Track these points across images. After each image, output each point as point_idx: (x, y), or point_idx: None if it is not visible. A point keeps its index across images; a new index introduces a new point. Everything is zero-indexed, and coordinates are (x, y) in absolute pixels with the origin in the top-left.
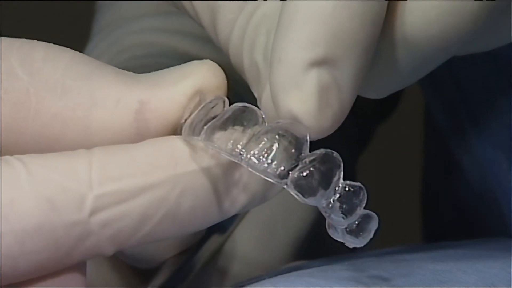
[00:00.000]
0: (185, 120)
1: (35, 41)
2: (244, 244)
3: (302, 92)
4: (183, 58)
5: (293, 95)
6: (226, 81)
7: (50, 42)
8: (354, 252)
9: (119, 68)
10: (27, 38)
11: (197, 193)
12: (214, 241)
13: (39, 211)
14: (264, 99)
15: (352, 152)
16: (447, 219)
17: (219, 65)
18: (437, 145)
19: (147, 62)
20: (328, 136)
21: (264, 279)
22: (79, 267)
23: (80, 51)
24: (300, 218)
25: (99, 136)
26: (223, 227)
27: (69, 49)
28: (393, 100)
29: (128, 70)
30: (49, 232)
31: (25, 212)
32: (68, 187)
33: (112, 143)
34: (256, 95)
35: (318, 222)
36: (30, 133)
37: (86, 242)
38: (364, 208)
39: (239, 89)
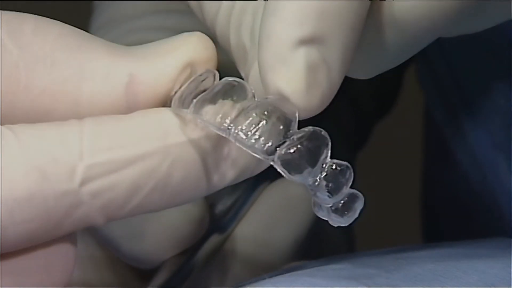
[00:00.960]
0: (175, 92)
1: (25, 14)
2: (244, 244)
3: (291, 70)
4: None
5: (282, 73)
6: (216, 53)
7: None
8: (354, 252)
9: None
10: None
11: (187, 164)
12: (213, 240)
13: (30, 181)
14: (252, 77)
15: (350, 148)
16: (446, 219)
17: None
18: (437, 145)
19: None
20: (327, 131)
21: (265, 279)
22: (69, 238)
23: None
24: (300, 218)
25: (89, 109)
26: (223, 226)
27: (58, 21)
28: (392, 96)
29: None
30: (39, 201)
31: (15, 181)
32: (59, 157)
33: (102, 114)
34: (243, 74)
35: (318, 222)
36: (20, 107)
37: (77, 212)
38: (362, 209)
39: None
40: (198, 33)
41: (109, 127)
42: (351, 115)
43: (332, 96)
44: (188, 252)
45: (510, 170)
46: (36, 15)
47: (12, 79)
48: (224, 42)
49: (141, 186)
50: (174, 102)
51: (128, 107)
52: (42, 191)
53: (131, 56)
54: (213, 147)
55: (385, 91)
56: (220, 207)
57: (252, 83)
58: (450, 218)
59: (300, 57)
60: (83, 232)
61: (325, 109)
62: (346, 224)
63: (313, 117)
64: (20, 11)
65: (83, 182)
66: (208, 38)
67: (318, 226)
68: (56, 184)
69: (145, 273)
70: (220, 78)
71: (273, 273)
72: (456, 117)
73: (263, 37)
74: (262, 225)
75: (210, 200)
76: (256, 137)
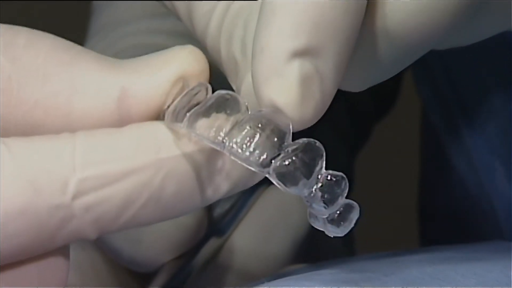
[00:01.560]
0: (168, 106)
1: (17, 27)
2: (242, 247)
3: (284, 82)
4: None
5: (275, 85)
6: (208, 66)
7: None
8: (352, 256)
9: None
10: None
11: (181, 178)
12: (212, 244)
13: (22, 194)
14: (244, 90)
15: (349, 151)
16: (443, 223)
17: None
18: (434, 149)
19: None
20: (325, 134)
21: (263, 283)
22: (62, 250)
23: None
24: (297, 222)
25: (81, 123)
26: (221, 230)
27: (51, 34)
28: (390, 97)
29: None
30: (32, 215)
31: (8, 195)
32: (52, 170)
33: (94, 128)
34: (234, 87)
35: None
36: (12, 120)
37: (69, 225)
38: (358, 217)
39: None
40: (190, 46)
41: (101, 141)
42: (349, 117)
43: (326, 108)
44: (186, 255)
45: (506, 175)
46: (28, 28)
47: (5, 92)
48: (215, 54)
49: (133, 200)
50: (167, 116)
51: (120, 121)
52: (34, 205)
53: (123, 70)
54: (207, 161)
55: (384, 93)
56: (219, 210)
57: (244, 95)
58: (447, 223)
59: (294, 69)
60: None
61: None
62: (342, 234)
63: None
64: (15, 12)
65: (75, 196)
66: (200, 51)
67: (315, 230)
68: (49, 198)
69: (144, 277)
70: (213, 91)
71: (271, 277)
72: (453, 121)
73: (257, 50)
74: (260, 228)
75: (208, 204)
76: (251, 150)
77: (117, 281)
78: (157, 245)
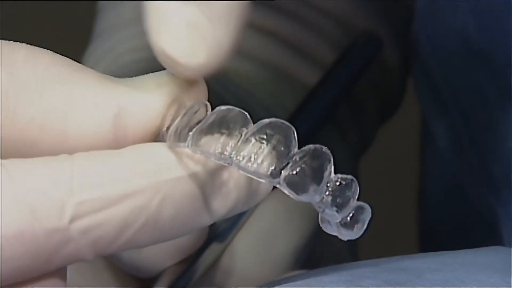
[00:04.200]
0: (167, 127)
1: (15, 43)
2: (244, 253)
3: (173, 29)
4: None
5: (164, 34)
6: (205, 86)
7: (52, 45)
8: (351, 262)
9: (120, 71)
10: (28, 40)
11: (180, 200)
12: (213, 250)
13: (19, 218)
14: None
15: (353, 154)
16: (443, 230)
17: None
18: (433, 155)
19: (147, 66)
20: (328, 138)
21: None
22: (58, 272)
23: (81, 54)
24: (298, 228)
25: (76, 140)
26: (222, 236)
27: (49, 51)
28: (395, 101)
29: (129, 74)
30: (29, 238)
31: (6, 219)
32: (49, 193)
33: (90, 148)
34: None
35: (316, 232)
36: (8, 137)
37: (66, 248)
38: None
39: (219, 89)
40: None
41: (99, 163)
42: (353, 120)
43: (223, 54)
44: (188, 260)
45: (507, 182)
46: (27, 44)
47: (2, 107)
48: None
49: (131, 223)
50: (170, 137)
51: (117, 140)
52: (31, 228)
53: (121, 88)
54: (210, 179)
55: (389, 96)
56: None
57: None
58: (447, 229)
59: (182, 15)
60: None
61: (328, 115)
62: (356, 237)
63: (315, 124)
64: (20, 13)
65: (73, 219)
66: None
67: (316, 236)
68: (46, 222)
69: (145, 282)
70: (213, 104)
71: (271, 283)
72: (453, 129)
73: (146, 2)
74: (262, 234)
75: None
76: (259, 162)
77: (119, 285)
78: (158, 250)
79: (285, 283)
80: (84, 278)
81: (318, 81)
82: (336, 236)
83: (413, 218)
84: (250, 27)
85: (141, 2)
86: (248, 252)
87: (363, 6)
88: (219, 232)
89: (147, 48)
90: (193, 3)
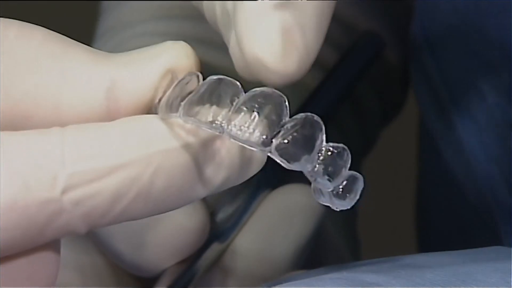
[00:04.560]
0: (160, 99)
1: (9, 19)
2: (245, 252)
3: (265, 34)
4: None
5: (257, 38)
6: (198, 62)
7: None
8: (352, 262)
9: None
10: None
11: (172, 171)
12: (214, 250)
13: (12, 188)
14: (231, 45)
15: (355, 157)
16: (442, 231)
17: (222, 69)
18: (432, 156)
19: None
20: (331, 138)
21: None
22: (52, 245)
23: None
24: (301, 226)
25: (70, 114)
26: (223, 235)
27: (42, 27)
28: (397, 102)
29: None
30: (22, 209)
31: None
32: (41, 165)
33: (83, 121)
34: (227, 43)
35: (317, 232)
36: (2, 111)
37: (59, 220)
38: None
39: None
40: (181, 42)
41: (91, 135)
42: (355, 122)
43: (310, 62)
44: (188, 260)
45: (505, 183)
46: (20, 21)
47: None
48: (211, 15)
49: (123, 194)
50: (161, 108)
51: (109, 113)
52: (24, 199)
53: (114, 62)
54: (199, 152)
55: (391, 97)
56: (221, 215)
57: (232, 49)
58: (445, 231)
59: (275, 21)
60: (85, 239)
61: (329, 116)
62: (349, 207)
63: None
64: (22, 12)
65: (65, 190)
66: (190, 47)
67: (321, 234)
68: (38, 192)
69: (146, 282)
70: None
71: (271, 283)
72: (452, 129)
73: (238, 3)
74: (263, 233)
75: (211, 209)
76: (251, 131)
77: (119, 285)
78: (159, 249)
79: (285, 282)
80: (85, 278)
81: (320, 81)
82: (336, 237)
83: (413, 219)
84: None
85: (233, 3)
86: (249, 252)
87: (364, 7)
88: (220, 232)
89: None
90: (285, 7)
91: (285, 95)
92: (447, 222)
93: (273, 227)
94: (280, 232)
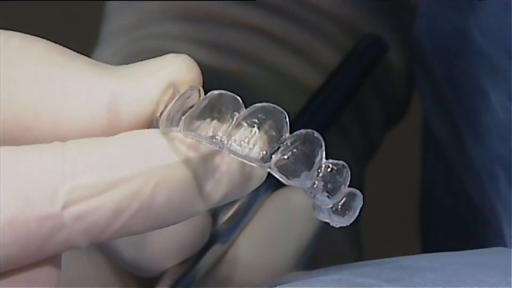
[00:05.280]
0: (161, 113)
1: (10, 31)
2: (246, 254)
3: None
4: None
5: None
6: (200, 75)
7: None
8: (354, 262)
9: None
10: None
11: (173, 186)
12: (215, 250)
13: (12, 204)
14: None
15: (359, 161)
16: (445, 231)
17: (225, 72)
18: (435, 156)
19: None
20: (334, 144)
21: None
22: (53, 260)
23: (89, 56)
24: (300, 229)
25: (70, 126)
26: (224, 237)
27: (45, 39)
28: (401, 105)
29: None
30: (21, 225)
31: None
32: (41, 180)
33: (84, 134)
34: None
35: (319, 233)
36: (3, 123)
37: (59, 235)
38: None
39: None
40: (184, 55)
41: (92, 150)
42: (359, 127)
43: None
44: (190, 261)
45: (508, 182)
46: (22, 33)
47: None
48: None
49: (124, 209)
50: (162, 122)
51: (110, 126)
52: (24, 214)
53: (115, 75)
54: (199, 167)
55: (394, 102)
56: (222, 216)
57: None
58: (449, 231)
59: None
60: None
61: (332, 120)
62: (348, 224)
63: (319, 128)
64: (27, 13)
65: (65, 206)
66: (193, 60)
67: (324, 236)
68: (38, 207)
69: (148, 282)
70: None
71: (272, 283)
72: (455, 129)
73: None
74: (264, 235)
75: (212, 210)
76: (251, 146)
77: (121, 286)
78: (161, 250)
79: (286, 283)
80: (87, 279)
81: (322, 84)
82: (339, 238)
83: (416, 219)
84: (253, 30)
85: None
86: (250, 253)
87: (368, 9)
88: (222, 233)
89: (153, 51)
90: None
91: (287, 97)
92: (451, 222)
93: (275, 228)
94: (281, 233)
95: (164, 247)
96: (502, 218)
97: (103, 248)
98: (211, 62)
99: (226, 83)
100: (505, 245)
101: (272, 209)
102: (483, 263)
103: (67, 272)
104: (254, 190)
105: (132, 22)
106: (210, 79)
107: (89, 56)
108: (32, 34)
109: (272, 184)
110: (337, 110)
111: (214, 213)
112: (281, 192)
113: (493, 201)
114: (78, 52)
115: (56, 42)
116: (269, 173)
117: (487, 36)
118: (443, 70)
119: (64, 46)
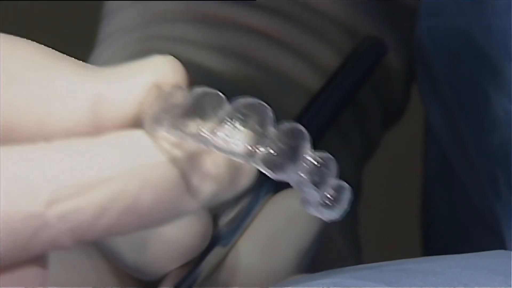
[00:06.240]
0: (146, 113)
1: None
2: (247, 257)
3: None
4: (189, 67)
5: None
6: (185, 77)
7: (56, 46)
8: (355, 265)
9: None
10: (33, 41)
11: (159, 185)
12: (216, 253)
13: None
14: None
15: (357, 161)
16: (446, 233)
17: (225, 74)
18: (437, 158)
19: None
20: (332, 144)
21: None
22: (38, 260)
23: (85, 59)
24: (301, 232)
25: (55, 127)
26: (225, 239)
27: (30, 41)
28: (399, 107)
29: None
30: (6, 224)
31: None
32: (25, 179)
33: (68, 135)
34: None
35: (319, 236)
36: None
37: (44, 234)
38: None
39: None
40: (169, 56)
41: (76, 150)
42: (356, 127)
43: None
44: (191, 264)
45: (508, 185)
46: (7, 35)
47: None
48: None
49: (109, 208)
50: (147, 121)
51: (95, 127)
52: (8, 214)
53: (99, 76)
54: (186, 165)
55: (392, 102)
56: (223, 219)
57: None
58: (450, 232)
59: None
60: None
61: (331, 121)
62: (337, 217)
63: (318, 130)
64: (25, 14)
65: (49, 205)
66: (178, 62)
67: (324, 238)
68: (22, 207)
69: (148, 285)
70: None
71: (273, 286)
72: (456, 129)
73: None
74: (265, 237)
75: (213, 212)
76: (235, 142)
77: (122, 287)
78: (162, 253)
79: (286, 286)
80: (87, 281)
81: (321, 86)
82: (339, 240)
83: (416, 222)
84: (252, 31)
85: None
86: (251, 255)
87: (367, 11)
88: (223, 235)
89: (151, 52)
90: None
91: (287, 99)
92: (451, 224)
93: (276, 230)
94: (282, 235)
95: (165, 251)
96: (502, 220)
97: (105, 252)
98: (210, 63)
99: (226, 85)
100: (505, 248)
101: (273, 211)
102: (484, 266)
103: (69, 277)
104: (255, 192)
105: (132, 23)
106: (209, 81)
107: (87, 57)
108: (31, 34)
109: (272, 187)
110: (337, 112)
111: (215, 216)
112: (281, 194)
113: (493, 203)
114: (74, 54)
115: (55, 42)
116: (267, 175)
117: (488, 37)
118: (444, 71)
119: (63, 46)
